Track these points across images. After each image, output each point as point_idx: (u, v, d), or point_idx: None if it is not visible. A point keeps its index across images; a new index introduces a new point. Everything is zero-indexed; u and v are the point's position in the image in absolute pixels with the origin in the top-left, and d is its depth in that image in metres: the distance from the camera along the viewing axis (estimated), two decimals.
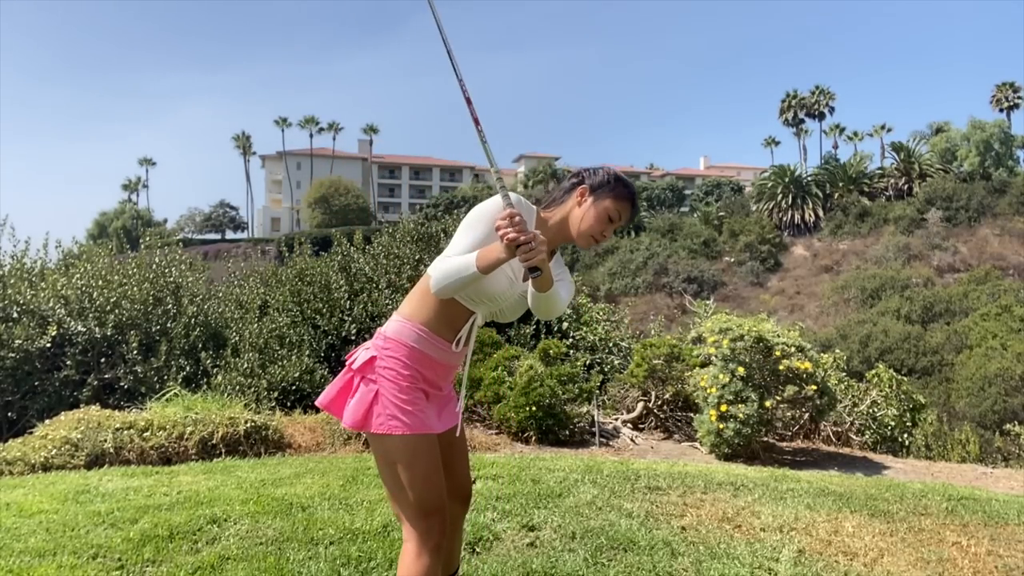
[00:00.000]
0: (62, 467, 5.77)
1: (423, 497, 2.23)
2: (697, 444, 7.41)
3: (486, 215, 2.21)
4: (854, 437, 8.06)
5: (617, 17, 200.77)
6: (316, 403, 2.46)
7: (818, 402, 6.89)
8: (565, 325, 10.20)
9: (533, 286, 2.15)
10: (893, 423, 8.10)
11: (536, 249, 2.02)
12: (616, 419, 8.15)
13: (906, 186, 55.97)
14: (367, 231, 15.79)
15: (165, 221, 79.92)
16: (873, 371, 8.83)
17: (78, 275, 8.97)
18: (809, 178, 57.05)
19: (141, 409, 7.08)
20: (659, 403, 8.17)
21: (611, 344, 10.47)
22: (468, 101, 2.11)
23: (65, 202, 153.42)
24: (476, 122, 2.11)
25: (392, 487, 2.28)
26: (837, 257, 51.09)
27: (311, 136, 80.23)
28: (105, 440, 5.97)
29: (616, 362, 10.03)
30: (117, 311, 8.74)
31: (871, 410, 8.16)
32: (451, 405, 2.45)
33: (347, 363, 2.36)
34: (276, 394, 8.25)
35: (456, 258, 2.15)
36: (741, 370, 6.66)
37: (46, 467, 5.76)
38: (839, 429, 8.05)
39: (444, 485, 2.31)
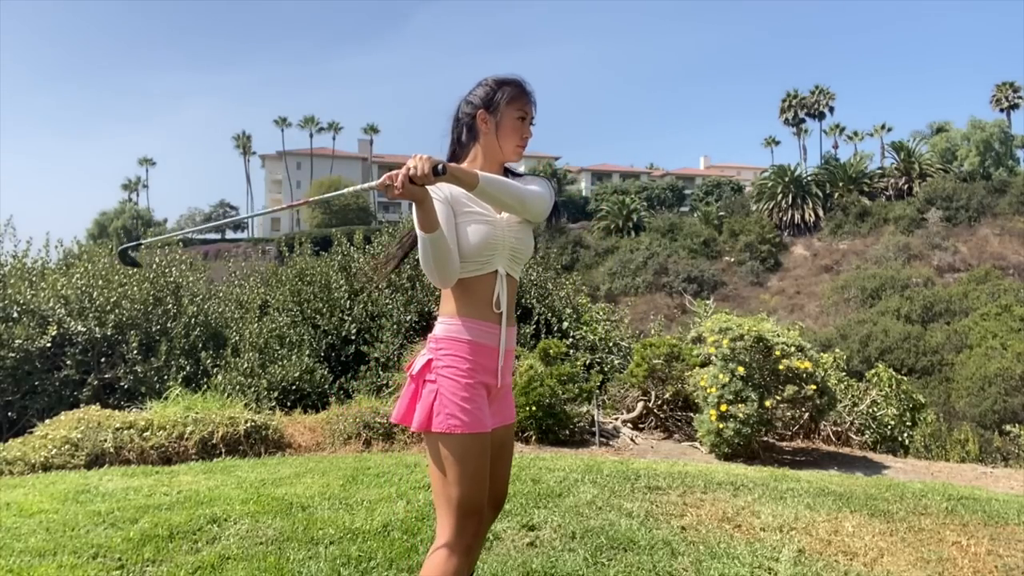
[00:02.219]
0: (62, 467, 5.78)
1: (466, 496, 2.20)
2: (697, 444, 7.42)
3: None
4: (854, 437, 8.06)
5: (617, 17, 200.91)
6: (391, 419, 2.44)
7: (818, 402, 6.89)
8: (565, 325, 10.21)
9: (459, 181, 2.11)
10: (893, 423, 8.10)
11: (417, 163, 2.03)
12: (616, 419, 8.15)
13: (906, 186, 55.99)
14: (367, 231, 15.78)
15: (165, 221, 79.94)
16: (873, 371, 8.83)
17: (78, 275, 8.98)
18: (809, 178, 57.06)
19: (141, 409, 7.08)
20: (659, 403, 8.17)
21: (611, 344, 10.47)
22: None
23: (65, 201, 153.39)
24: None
25: (436, 483, 2.26)
26: (837, 257, 51.11)
27: (311, 136, 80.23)
28: (105, 440, 5.98)
29: (616, 362, 10.03)
30: (117, 311, 8.74)
31: (871, 410, 8.16)
32: (508, 399, 2.42)
33: (408, 374, 2.33)
34: (276, 394, 8.26)
35: (431, 256, 2.16)
36: (741, 370, 6.66)
37: (46, 467, 5.77)
38: (839, 429, 8.05)
39: (487, 488, 2.27)
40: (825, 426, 7.98)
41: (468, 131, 2.39)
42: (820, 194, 55.68)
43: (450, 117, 2.44)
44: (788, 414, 7.20)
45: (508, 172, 2.45)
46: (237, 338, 9.35)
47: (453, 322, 2.29)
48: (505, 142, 2.36)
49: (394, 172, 2.05)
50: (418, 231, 2.12)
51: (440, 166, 2.04)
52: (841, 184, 56.47)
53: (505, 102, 2.35)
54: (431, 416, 2.22)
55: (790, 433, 7.84)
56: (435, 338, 2.31)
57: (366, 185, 2.24)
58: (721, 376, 6.74)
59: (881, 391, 8.42)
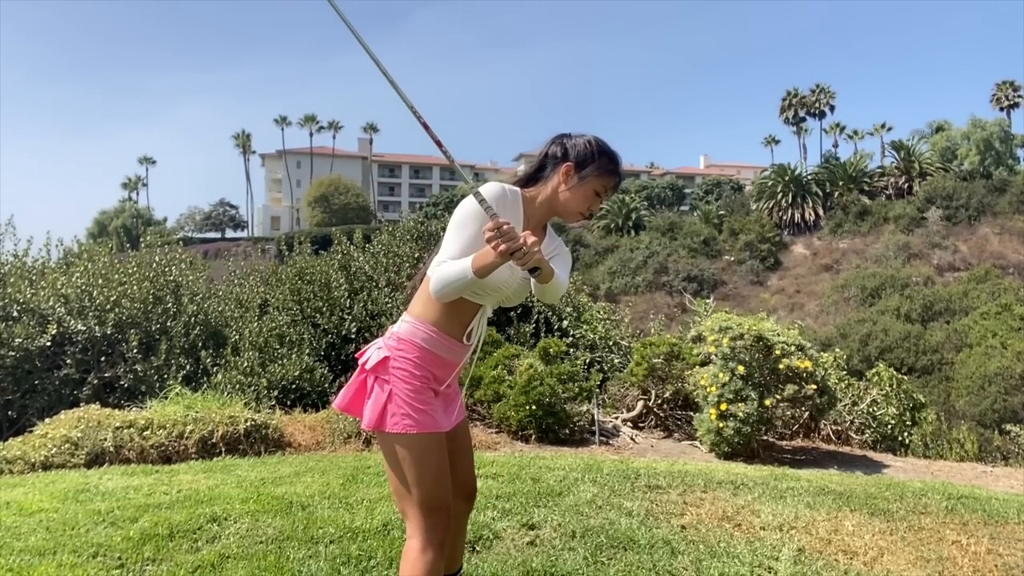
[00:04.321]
0: (62, 466, 5.77)
1: (430, 494, 2.25)
2: (697, 443, 7.42)
3: (473, 213, 2.20)
4: (854, 436, 8.06)
5: (618, 15, 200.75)
6: (334, 406, 2.49)
7: (818, 401, 6.89)
8: (565, 324, 10.20)
9: (535, 279, 2.16)
10: (893, 422, 8.10)
11: (530, 253, 2.02)
12: (616, 418, 8.15)
13: (906, 185, 55.93)
14: (367, 230, 15.77)
15: (165, 220, 79.96)
16: (873, 370, 8.83)
17: (78, 274, 8.96)
18: (809, 177, 56.99)
19: (141, 408, 7.08)
20: (659, 402, 8.17)
21: (611, 343, 10.46)
22: (425, 126, 2.12)
23: (65, 200, 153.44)
24: (439, 144, 2.14)
25: (399, 484, 2.30)
26: (837, 256, 51.06)
27: (311, 135, 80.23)
28: (105, 439, 5.97)
29: (616, 361, 10.03)
30: (117, 310, 8.73)
31: (871, 409, 8.16)
32: (456, 400, 2.49)
33: (360, 363, 2.36)
34: (276, 393, 8.24)
35: (452, 264, 2.14)
36: (741, 369, 6.66)
37: (46, 466, 5.76)
38: (839, 428, 8.05)
39: (450, 482, 2.33)
40: (825, 425, 7.98)
41: (550, 169, 2.39)
42: (820, 193, 55.62)
43: (543, 143, 2.44)
44: (788, 413, 7.20)
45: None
46: (237, 337, 9.33)
47: (420, 327, 2.30)
48: (573, 204, 2.36)
49: (509, 232, 2.01)
50: (471, 268, 2.10)
51: (538, 271, 2.09)
52: (841, 183, 56.41)
53: (595, 172, 2.35)
54: (384, 416, 2.24)
55: (790, 432, 7.84)
56: (397, 336, 2.32)
57: (481, 202, 2.12)
58: (721, 375, 6.74)
59: (881, 390, 8.42)
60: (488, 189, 2.23)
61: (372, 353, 2.34)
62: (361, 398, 2.33)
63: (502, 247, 2.01)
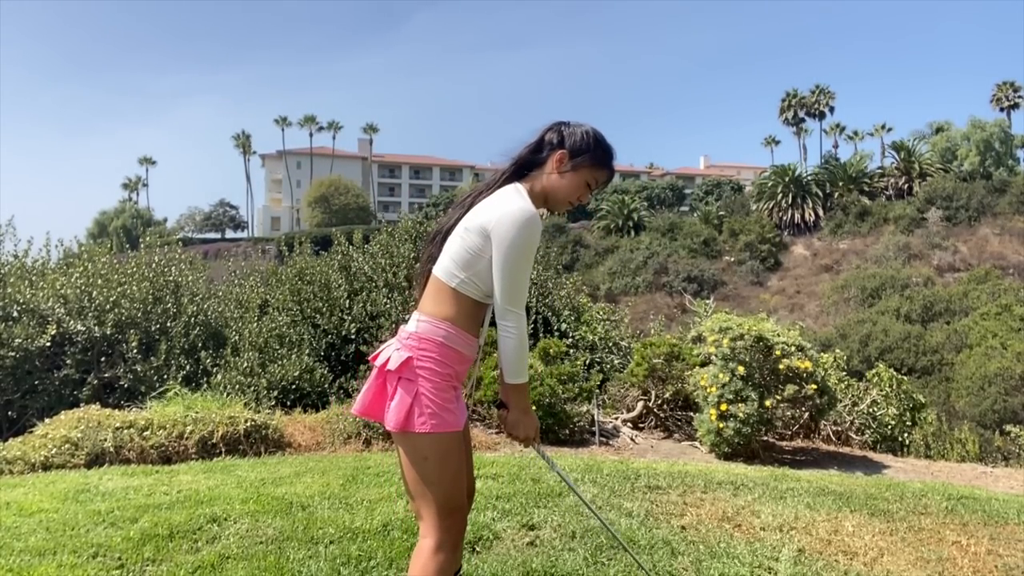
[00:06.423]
0: (62, 466, 5.77)
1: (450, 494, 2.25)
2: (697, 443, 7.42)
3: (532, 249, 2.25)
4: (854, 436, 8.06)
5: (617, 16, 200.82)
6: (353, 411, 2.46)
7: (818, 401, 6.89)
8: (564, 325, 10.20)
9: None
10: (893, 422, 8.10)
11: (528, 439, 2.42)
12: (616, 418, 8.15)
13: (906, 185, 55.92)
14: (367, 230, 15.78)
15: (165, 220, 79.90)
16: (873, 370, 8.82)
17: (78, 274, 8.96)
18: (809, 177, 56.98)
19: (141, 408, 7.08)
20: (659, 402, 8.17)
21: (611, 343, 10.46)
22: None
23: (65, 201, 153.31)
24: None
25: (418, 484, 2.27)
26: (837, 256, 51.05)
27: (311, 135, 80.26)
28: (105, 439, 5.97)
29: (616, 361, 10.03)
30: (117, 310, 8.73)
31: (871, 409, 8.16)
32: (462, 400, 2.50)
33: (376, 366, 2.34)
34: (276, 393, 8.24)
35: (526, 354, 2.30)
36: (741, 369, 6.66)
37: (46, 466, 5.77)
38: (839, 428, 8.05)
39: (465, 484, 2.34)
40: (825, 426, 7.98)
41: (546, 154, 2.39)
42: (820, 194, 55.61)
43: (539, 128, 2.43)
44: (788, 414, 7.20)
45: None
46: (237, 337, 9.34)
47: (440, 324, 2.30)
48: (563, 192, 2.38)
49: (525, 438, 2.41)
50: (525, 376, 2.33)
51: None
52: (841, 184, 56.40)
53: (588, 163, 2.36)
54: (410, 417, 2.22)
55: (790, 433, 7.84)
56: (417, 336, 2.30)
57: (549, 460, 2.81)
58: (721, 375, 6.73)
59: (881, 391, 8.41)
60: (531, 216, 2.23)
61: (392, 355, 2.29)
62: (381, 401, 2.30)
63: (531, 435, 2.41)
